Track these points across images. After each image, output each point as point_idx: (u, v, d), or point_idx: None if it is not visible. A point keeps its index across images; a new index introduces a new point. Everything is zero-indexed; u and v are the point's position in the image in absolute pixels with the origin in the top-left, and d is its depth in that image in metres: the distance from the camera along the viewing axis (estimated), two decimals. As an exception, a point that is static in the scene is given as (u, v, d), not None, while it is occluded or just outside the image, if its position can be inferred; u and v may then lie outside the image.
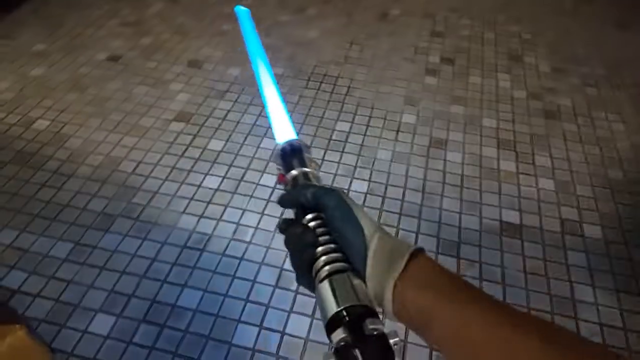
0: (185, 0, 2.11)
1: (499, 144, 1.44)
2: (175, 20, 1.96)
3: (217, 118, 1.48)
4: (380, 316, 0.28)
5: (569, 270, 1.11)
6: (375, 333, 0.26)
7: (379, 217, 1.21)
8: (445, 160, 1.38)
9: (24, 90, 1.56)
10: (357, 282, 0.29)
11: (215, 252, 1.10)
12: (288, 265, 1.08)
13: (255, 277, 1.06)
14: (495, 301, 0.26)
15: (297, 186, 0.35)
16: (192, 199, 1.23)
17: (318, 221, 0.33)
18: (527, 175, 1.35)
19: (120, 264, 1.07)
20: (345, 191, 0.33)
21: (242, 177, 1.29)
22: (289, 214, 0.36)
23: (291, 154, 0.37)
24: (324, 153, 1.38)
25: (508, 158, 1.39)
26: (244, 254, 1.10)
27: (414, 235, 1.17)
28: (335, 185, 1.27)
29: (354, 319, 0.27)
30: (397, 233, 1.17)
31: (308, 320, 0.99)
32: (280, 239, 1.13)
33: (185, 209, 1.20)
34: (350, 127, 1.47)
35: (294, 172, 0.36)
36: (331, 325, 0.27)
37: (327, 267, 0.30)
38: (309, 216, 0.33)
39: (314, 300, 1.01)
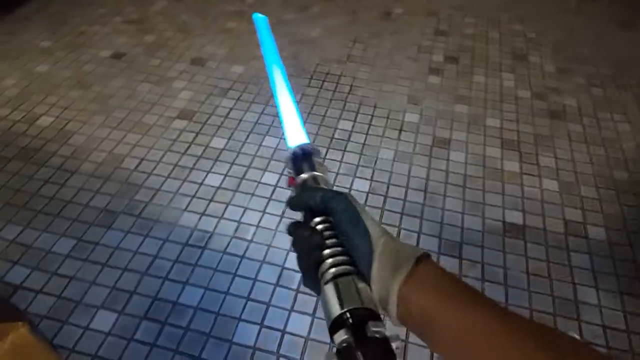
0: (189, -2, 2.11)
1: (503, 144, 1.44)
2: (178, 18, 1.96)
3: (219, 116, 1.49)
4: (384, 320, 0.28)
5: (572, 271, 1.10)
6: (377, 336, 0.26)
7: (381, 217, 1.20)
8: (448, 160, 1.37)
9: (30, 86, 1.57)
10: (362, 285, 0.30)
11: (217, 250, 1.10)
12: (289, 263, 1.08)
13: (256, 275, 1.06)
14: (497, 306, 0.26)
15: (306, 189, 0.36)
16: (194, 196, 1.23)
17: (326, 224, 0.33)
18: (531, 175, 1.34)
19: (122, 261, 1.07)
20: (353, 195, 0.33)
21: (244, 175, 1.29)
22: (295, 215, 0.37)
23: (302, 158, 0.38)
24: (326, 152, 1.37)
25: (512, 158, 1.39)
26: (245, 252, 1.10)
27: (415, 235, 1.17)
28: (337, 184, 1.27)
29: (357, 321, 0.27)
30: (398, 233, 1.17)
31: (309, 319, 0.99)
32: (281, 237, 1.13)
33: (187, 206, 1.20)
34: (353, 126, 1.47)
35: (303, 176, 0.37)
36: (334, 327, 0.28)
37: (332, 270, 0.31)
38: (317, 219, 0.34)
39: (314, 299, 1.01)
